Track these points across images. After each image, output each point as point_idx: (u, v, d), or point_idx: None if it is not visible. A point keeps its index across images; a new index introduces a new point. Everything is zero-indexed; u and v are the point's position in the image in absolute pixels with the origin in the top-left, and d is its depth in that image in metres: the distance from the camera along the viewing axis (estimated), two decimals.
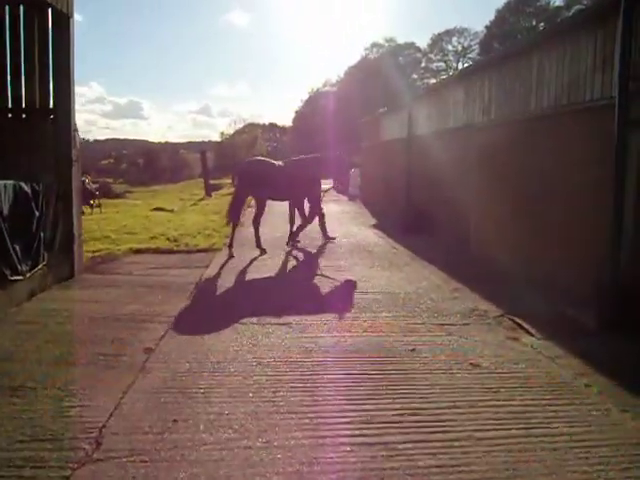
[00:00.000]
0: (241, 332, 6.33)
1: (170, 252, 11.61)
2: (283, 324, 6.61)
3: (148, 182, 68.57)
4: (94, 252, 11.15)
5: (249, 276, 9.35)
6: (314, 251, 11.88)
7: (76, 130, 8.89)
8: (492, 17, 59.11)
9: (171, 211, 19.74)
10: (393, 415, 4.33)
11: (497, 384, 4.99)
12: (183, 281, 8.87)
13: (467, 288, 8.53)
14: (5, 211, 6.83)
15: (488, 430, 4.12)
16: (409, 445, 3.89)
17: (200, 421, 4.22)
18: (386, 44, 71.03)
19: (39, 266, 7.80)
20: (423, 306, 7.57)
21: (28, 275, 7.44)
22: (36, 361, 5.30)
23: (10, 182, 7.07)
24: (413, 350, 5.79)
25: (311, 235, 13.03)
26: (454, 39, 63.82)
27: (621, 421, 4.34)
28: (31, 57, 8.53)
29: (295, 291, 8.41)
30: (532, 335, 6.47)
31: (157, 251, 11.64)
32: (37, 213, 7.77)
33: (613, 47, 7.07)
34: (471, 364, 5.45)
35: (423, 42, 64.98)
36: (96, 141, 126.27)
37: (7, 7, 8.41)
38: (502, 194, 10.33)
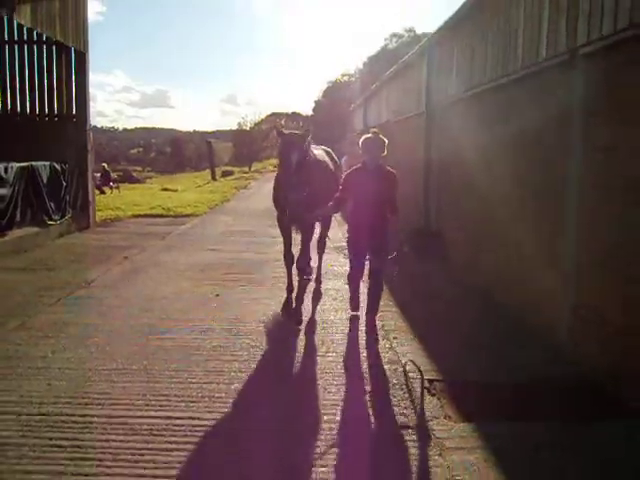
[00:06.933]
0: (174, 252, 10.56)
1: (161, 216, 15.99)
2: (209, 249, 10.86)
3: (174, 170, 73.02)
4: (106, 216, 15.55)
5: (205, 230, 13.55)
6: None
7: (90, 129, 13.23)
8: None
9: (175, 191, 24.15)
10: None
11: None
12: (162, 232, 13.17)
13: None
14: (45, 181, 11.21)
15: None
16: None
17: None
18: (406, 34, 73.60)
19: (65, 218, 12.17)
20: None
21: (58, 222, 11.80)
22: (62, 260, 9.66)
23: (47, 163, 11.45)
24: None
25: None
26: None
27: None
28: (60, 81, 12.88)
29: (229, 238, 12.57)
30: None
31: (152, 216, 16.03)
32: (64, 184, 12.13)
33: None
34: None
35: None
36: (125, 130, 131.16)
37: (44, 48, 12.76)
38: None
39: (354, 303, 6.49)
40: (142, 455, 3.55)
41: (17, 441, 3.70)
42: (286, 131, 6.08)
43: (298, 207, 5.66)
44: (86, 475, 3.34)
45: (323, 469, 3.43)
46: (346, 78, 74.99)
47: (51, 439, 3.74)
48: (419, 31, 67.25)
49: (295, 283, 6.63)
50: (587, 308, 4.94)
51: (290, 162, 5.70)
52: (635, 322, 4.22)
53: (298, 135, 6.06)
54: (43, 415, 4.06)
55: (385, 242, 5.87)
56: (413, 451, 3.68)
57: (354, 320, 6.35)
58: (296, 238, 6.67)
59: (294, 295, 6.62)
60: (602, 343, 4.68)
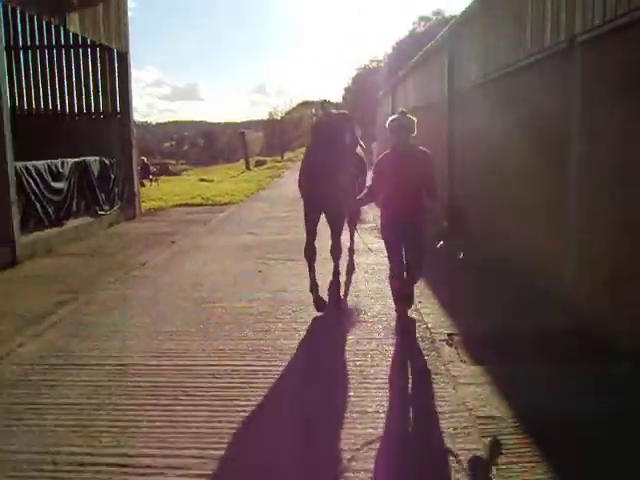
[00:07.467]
0: (216, 236, 11.39)
1: (201, 205, 16.91)
2: (248, 233, 11.66)
3: (208, 162, 74.20)
4: (150, 206, 16.51)
5: (243, 216, 14.39)
6: None
7: (134, 125, 14.13)
8: None
9: (212, 181, 25.09)
10: None
11: None
12: (203, 219, 14.04)
13: None
14: (96, 174, 12.15)
15: None
16: None
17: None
18: (434, 17, 72.75)
19: (114, 208, 13.12)
20: None
21: (108, 213, 12.75)
22: (115, 246, 10.60)
23: (97, 158, 12.39)
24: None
25: None
26: None
27: None
28: (104, 81, 13.81)
29: (262, 224, 13.37)
30: None
31: (192, 205, 16.95)
32: (112, 177, 13.07)
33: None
34: None
35: None
36: (158, 124, 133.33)
37: (89, 51, 13.70)
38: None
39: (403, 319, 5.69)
40: (207, 391, 4.34)
41: (105, 384, 4.52)
42: (334, 111, 6.01)
43: (344, 192, 5.58)
44: (164, 405, 4.14)
45: (354, 399, 4.17)
46: (374, 64, 74.79)
47: (131, 382, 4.56)
48: (447, 14, 67.01)
49: (317, 279, 6.37)
50: (587, 270, 5.55)
51: (342, 143, 5.76)
52: (627, 284, 4.84)
53: (346, 115, 5.99)
54: (122, 365, 4.88)
55: (421, 231, 5.46)
56: (433, 386, 4.38)
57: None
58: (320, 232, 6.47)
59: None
60: (599, 302, 5.29)
